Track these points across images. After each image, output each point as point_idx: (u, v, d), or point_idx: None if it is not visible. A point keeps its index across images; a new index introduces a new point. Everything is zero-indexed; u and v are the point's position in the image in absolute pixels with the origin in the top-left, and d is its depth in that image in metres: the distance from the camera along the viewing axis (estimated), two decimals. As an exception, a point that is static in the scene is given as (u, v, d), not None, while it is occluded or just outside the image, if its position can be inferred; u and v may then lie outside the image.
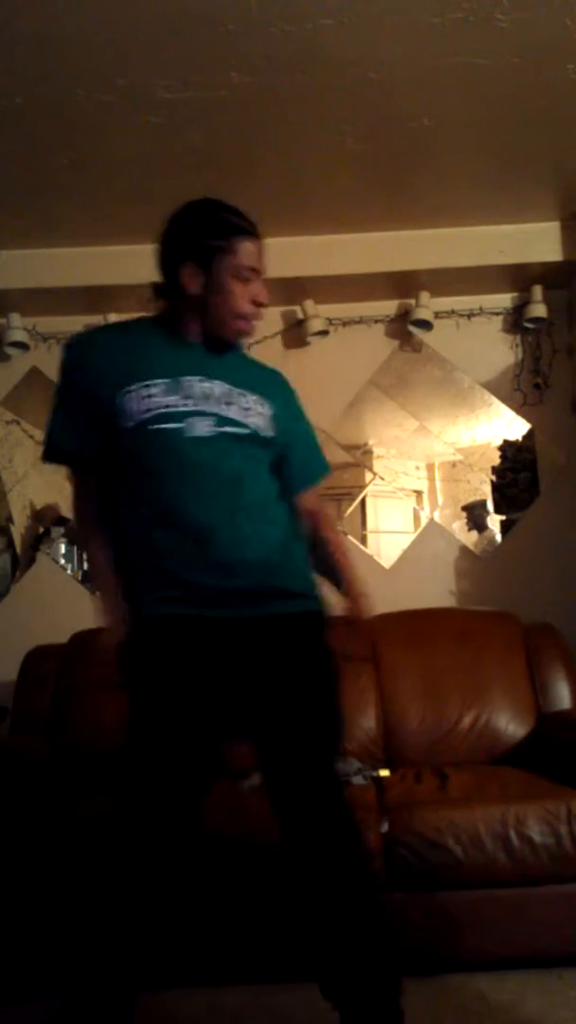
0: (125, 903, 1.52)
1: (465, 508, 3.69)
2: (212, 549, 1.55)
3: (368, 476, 3.67)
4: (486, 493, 3.68)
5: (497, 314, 3.65)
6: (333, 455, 3.59)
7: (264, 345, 3.46)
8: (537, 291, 3.51)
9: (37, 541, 3.64)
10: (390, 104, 2.64)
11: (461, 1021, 1.94)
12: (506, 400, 3.64)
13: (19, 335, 3.51)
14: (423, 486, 3.73)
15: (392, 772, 2.63)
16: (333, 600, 1.72)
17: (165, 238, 1.65)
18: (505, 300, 3.64)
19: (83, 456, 1.66)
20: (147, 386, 1.58)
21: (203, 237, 1.61)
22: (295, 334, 3.61)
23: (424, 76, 2.51)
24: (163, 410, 1.56)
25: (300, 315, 3.57)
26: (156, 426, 1.56)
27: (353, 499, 3.64)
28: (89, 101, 2.54)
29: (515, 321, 3.63)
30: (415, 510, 3.69)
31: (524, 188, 3.18)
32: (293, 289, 3.45)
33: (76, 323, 3.60)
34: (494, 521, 3.68)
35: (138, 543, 1.60)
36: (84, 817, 2.31)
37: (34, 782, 2.55)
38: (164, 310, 1.69)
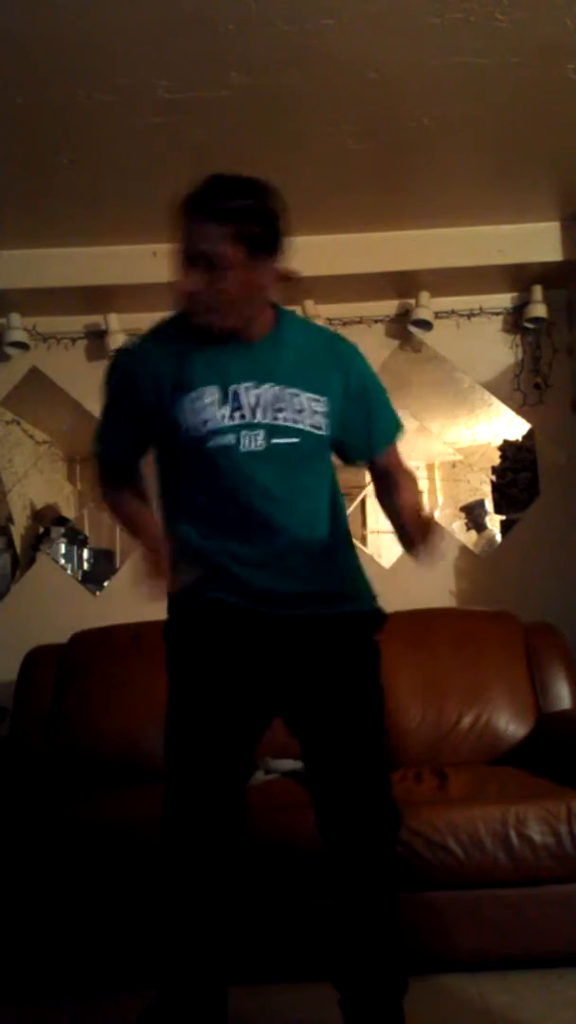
0: (188, 898, 1.53)
1: (463, 508, 3.68)
2: (262, 560, 1.56)
3: (368, 476, 3.66)
4: (486, 493, 3.68)
5: (497, 314, 3.65)
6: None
7: (264, 345, 3.46)
8: (537, 291, 3.51)
9: (37, 541, 3.64)
10: (390, 104, 2.64)
11: (461, 1021, 1.94)
12: (506, 400, 3.64)
13: (19, 335, 3.51)
14: (423, 486, 3.73)
15: (392, 772, 2.63)
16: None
17: None
18: (505, 300, 3.64)
19: (129, 463, 1.71)
20: (198, 397, 1.54)
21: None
22: (295, 334, 3.61)
23: (424, 76, 2.51)
24: (214, 425, 1.53)
25: (300, 315, 3.56)
26: (210, 443, 1.54)
27: (353, 499, 3.63)
28: (89, 101, 2.54)
29: (515, 321, 3.63)
30: (415, 510, 3.69)
31: (524, 188, 3.18)
32: (293, 289, 3.44)
33: (76, 323, 3.62)
34: (494, 521, 3.68)
35: (186, 548, 1.59)
36: (84, 817, 2.32)
37: (33, 782, 2.55)
38: None
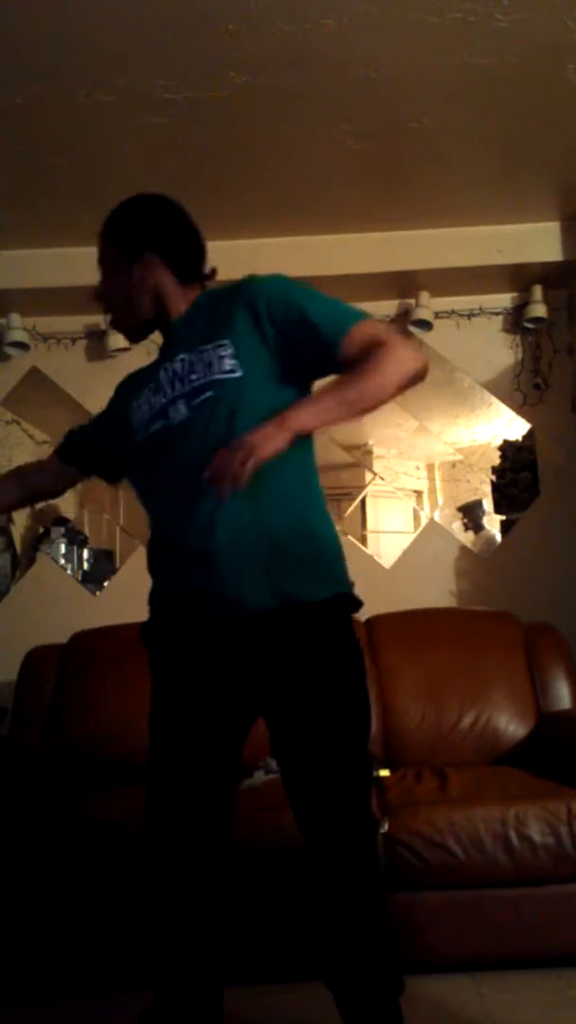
0: (172, 900, 1.53)
1: (461, 509, 3.68)
2: (207, 542, 1.48)
3: (368, 476, 3.67)
4: (486, 493, 3.68)
5: (497, 314, 3.65)
6: (333, 455, 3.60)
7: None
8: (537, 291, 3.51)
9: (37, 541, 3.64)
10: (390, 104, 2.64)
11: (461, 1021, 1.93)
12: (506, 400, 3.64)
13: (19, 335, 3.51)
14: (423, 486, 3.73)
15: (392, 772, 2.63)
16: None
17: None
18: (505, 300, 3.64)
19: (77, 452, 1.85)
20: (142, 396, 1.65)
21: None
22: (295, 334, 3.61)
23: (424, 76, 2.51)
24: (149, 413, 1.62)
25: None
26: (149, 431, 1.61)
27: (353, 499, 3.63)
28: (89, 101, 2.54)
29: (515, 321, 3.63)
30: (415, 510, 3.69)
31: (524, 188, 3.18)
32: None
33: (76, 323, 3.62)
34: (494, 521, 3.68)
35: (153, 547, 1.65)
36: (83, 817, 2.32)
37: (33, 781, 2.55)
38: None
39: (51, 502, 3.70)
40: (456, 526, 3.67)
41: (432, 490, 3.74)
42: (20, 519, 3.67)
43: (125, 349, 3.52)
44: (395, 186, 3.14)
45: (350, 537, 3.54)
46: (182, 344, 1.61)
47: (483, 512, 3.67)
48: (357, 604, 1.58)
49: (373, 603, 1.74)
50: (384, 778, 2.56)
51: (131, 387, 1.72)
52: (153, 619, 1.63)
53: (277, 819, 2.10)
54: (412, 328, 3.55)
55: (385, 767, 2.68)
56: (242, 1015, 2.00)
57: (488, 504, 3.67)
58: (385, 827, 2.19)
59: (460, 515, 3.69)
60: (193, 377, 1.55)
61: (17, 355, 3.58)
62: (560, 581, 3.42)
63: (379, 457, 3.71)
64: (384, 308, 3.62)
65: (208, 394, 1.53)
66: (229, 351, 1.54)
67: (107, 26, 2.25)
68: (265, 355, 1.54)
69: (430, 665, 2.89)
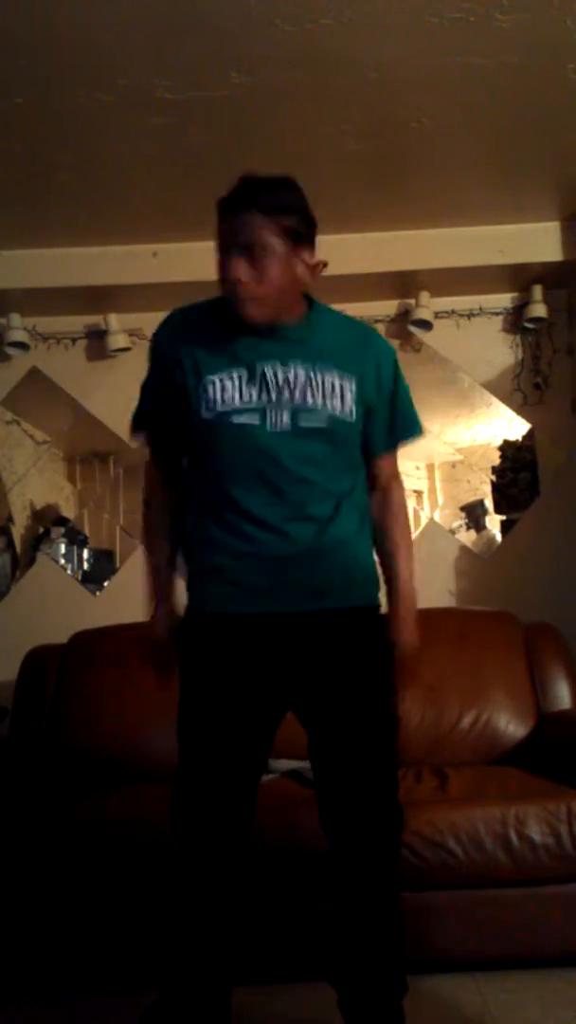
0: (199, 900, 1.54)
1: (463, 508, 3.68)
2: (268, 547, 1.55)
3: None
4: (486, 493, 3.68)
5: (497, 314, 3.65)
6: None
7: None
8: (537, 291, 3.51)
9: (37, 541, 3.64)
10: (390, 104, 2.64)
11: (461, 1021, 1.93)
12: (506, 400, 3.64)
13: (19, 335, 3.51)
14: (423, 486, 3.73)
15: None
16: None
17: None
18: (505, 300, 3.64)
19: (160, 430, 1.70)
20: (227, 376, 1.57)
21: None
22: (295, 334, 3.61)
23: (424, 76, 2.51)
24: (241, 404, 1.55)
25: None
26: (236, 420, 1.55)
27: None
28: (89, 101, 2.54)
29: (515, 321, 3.63)
30: (415, 510, 3.69)
31: (524, 188, 3.18)
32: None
33: (76, 323, 3.62)
34: (494, 521, 3.68)
35: (199, 537, 1.62)
36: (84, 817, 2.32)
37: (33, 782, 2.55)
38: None
39: (50, 502, 3.71)
40: (457, 525, 3.67)
41: (432, 490, 3.74)
42: (20, 519, 3.67)
43: (125, 349, 3.52)
44: (395, 186, 3.14)
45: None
46: (294, 350, 1.58)
47: (485, 512, 3.67)
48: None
49: (415, 633, 1.78)
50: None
51: (202, 354, 1.60)
52: (200, 615, 1.62)
53: (282, 819, 2.11)
54: (412, 328, 3.55)
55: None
56: (243, 1015, 2.00)
57: (488, 504, 3.67)
58: None
59: (463, 514, 3.69)
60: (309, 396, 1.56)
61: (17, 355, 3.58)
62: (560, 581, 3.42)
63: (379, 457, 3.70)
64: (384, 308, 3.62)
65: (319, 423, 1.57)
66: (352, 394, 1.60)
67: (107, 26, 2.25)
68: (363, 411, 1.63)
69: (430, 665, 2.87)
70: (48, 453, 3.69)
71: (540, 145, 2.90)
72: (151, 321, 3.99)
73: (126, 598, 3.47)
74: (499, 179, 3.11)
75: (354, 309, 3.57)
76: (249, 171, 1.63)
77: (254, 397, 1.55)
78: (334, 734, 1.59)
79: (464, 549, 3.61)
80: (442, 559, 3.57)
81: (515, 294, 3.63)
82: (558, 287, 3.53)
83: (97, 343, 3.60)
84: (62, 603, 3.49)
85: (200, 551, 1.62)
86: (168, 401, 1.64)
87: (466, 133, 2.81)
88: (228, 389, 1.55)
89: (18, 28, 2.25)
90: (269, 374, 1.56)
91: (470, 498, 3.69)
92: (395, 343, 3.64)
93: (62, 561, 3.61)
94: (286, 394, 1.55)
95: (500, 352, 3.65)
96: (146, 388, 1.72)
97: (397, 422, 1.73)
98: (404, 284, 3.53)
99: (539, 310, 3.50)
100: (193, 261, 3.34)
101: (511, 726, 2.77)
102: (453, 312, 3.61)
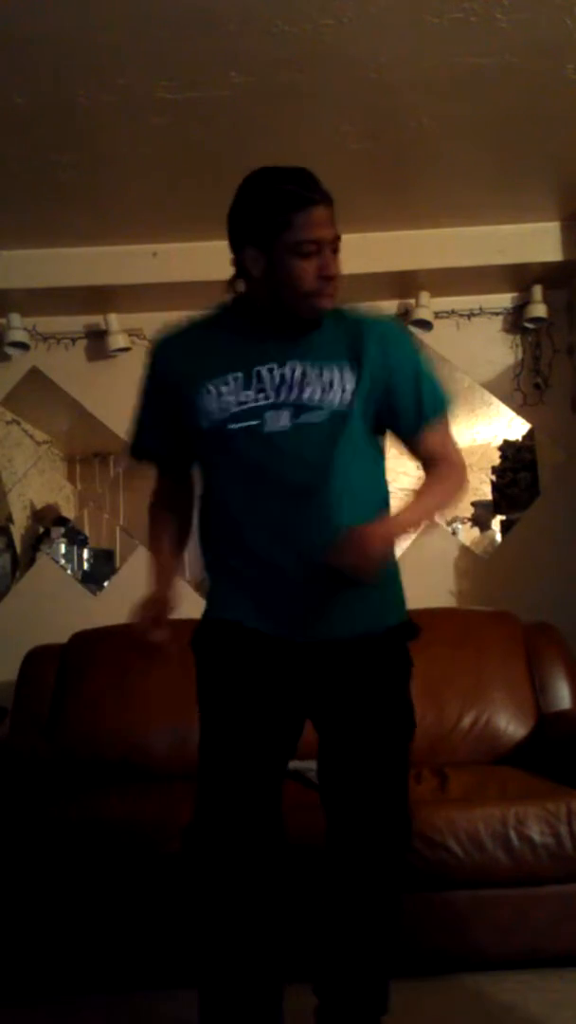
0: (226, 906, 1.50)
1: (472, 504, 3.67)
2: (283, 557, 1.53)
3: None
4: (486, 493, 3.68)
5: (497, 314, 3.65)
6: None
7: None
8: (537, 291, 3.51)
9: (37, 541, 3.64)
10: (390, 104, 2.63)
11: (461, 1021, 1.94)
12: (506, 400, 3.64)
13: (19, 335, 3.51)
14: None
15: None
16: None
17: (229, 219, 1.60)
18: (505, 300, 3.64)
19: (162, 455, 1.69)
20: (222, 383, 1.54)
21: (259, 216, 1.52)
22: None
23: (424, 76, 2.51)
24: (238, 408, 1.52)
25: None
26: (233, 425, 1.53)
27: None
28: (90, 101, 2.54)
29: (515, 321, 3.63)
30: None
31: (524, 188, 3.18)
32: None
33: (76, 323, 3.62)
34: (494, 521, 3.68)
35: (213, 546, 1.61)
36: (84, 817, 2.32)
37: (33, 782, 2.55)
38: (240, 295, 1.63)
39: (50, 502, 3.71)
40: (457, 526, 3.67)
41: (432, 490, 3.73)
42: (20, 519, 3.67)
43: (125, 349, 3.52)
44: (395, 186, 3.14)
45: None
46: (290, 348, 1.55)
47: (490, 512, 3.67)
48: (416, 630, 1.65)
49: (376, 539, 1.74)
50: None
51: (197, 365, 1.58)
52: (216, 624, 1.60)
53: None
54: (412, 328, 3.54)
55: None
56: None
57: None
58: None
59: (471, 508, 3.67)
60: (307, 392, 1.53)
61: (17, 355, 3.57)
62: (560, 581, 3.42)
63: (379, 457, 3.70)
64: (384, 308, 3.62)
65: (317, 419, 1.53)
66: (351, 384, 1.56)
67: (107, 26, 2.25)
68: (373, 398, 1.59)
69: (430, 665, 2.86)
70: (48, 453, 3.69)
71: (540, 145, 2.90)
72: (151, 321, 4.00)
73: (126, 598, 3.43)
74: (499, 179, 3.11)
75: (354, 309, 3.62)
76: (255, 167, 1.61)
77: (251, 399, 1.53)
78: (349, 741, 1.57)
79: (464, 549, 3.61)
80: (442, 559, 3.57)
81: (515, 294, 3.63)
82: (558, 287, 3.53)
83: (97, 343, 3.60)
84: (62, 603, 3.49)
85: (217, 560, 1.61)
86: (169, 423, 1.63)
87: (466, 133, 2.81)
88: (224, 395, 1.53)
89: (18, 28, 2.25)
90: (265, 375, 1.53)
91: (470, 498, 3.69)
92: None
93: (62, 561, 3.61)
94: (283, 393, 1.52)
95: (500, 352, 3.65)
96: (143, 419, 1.70)
97: (423, 399, 1.65)
98: (404, 284, 3.53)
99: (539, 310, 3.50)
100: (193, 261, 3.35)
101: (511, 726, 2.77)
102: (453, 312, 3.61)
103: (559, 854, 2.16)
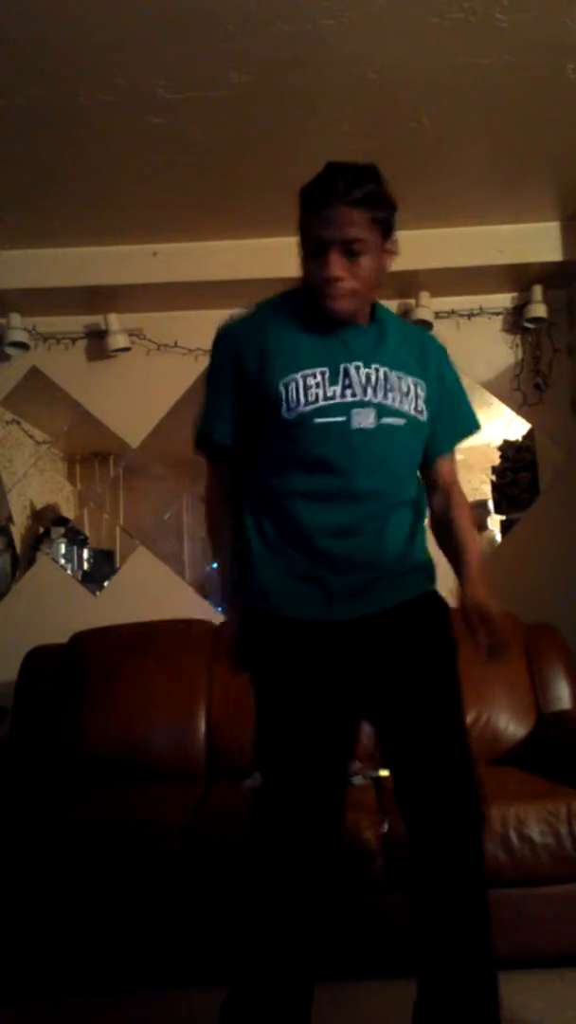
0: (289, 903, 1.51)
1: (472, 504, 3.68)
2: (353, 545, 1.56)
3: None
4: (486, 493, 3.68)
5: (497, 314, 3.65)
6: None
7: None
8: (537, 291, 3.51)
9: (37, 541, 3.64)
10: (390, 104, 2.64)
11: (461, 1021, 1.93)
12: (506, 400, 3.64)
13: (19, 335, 3.51)
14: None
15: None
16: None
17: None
18: (505, 300, 3.64)
19: (236, 446, 1.64)
20: (309, 375, 1.54)
21: (300, 214, 1.56)
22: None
23: (424, 76, 2.51)
24: (326, 403, 1.53)
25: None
26: (320, 419, 1.53)
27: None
28: (89, 101, 2.54)
29: (515, 321, 3.63)
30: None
31: (524, 188, 3.18)
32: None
33: (76, 323, 3.62)
34: (494, 521, 3.68)
35: (263, 538, 1.59)
36: (84, 817, 2.32)
37: (33, 782, 2.55)
38: (299, 287, 1.64)
39: (50, 502, 3.71)
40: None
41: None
42: (20, 519, 3.67)
43: (125, 349, 3.52)
44: (395, 186, 3.10)
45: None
46: (373, 350, 1.58)
47: (487, 512, 3.67)
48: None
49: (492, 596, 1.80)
50: (384, 778, 2.55)
51: (278, 355, 1.56)
52: (272, 620, 1.58)
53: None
54: (412, 328, 3.55)
55: (385, 767, 2.67)
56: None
57: (490, 504, 3.67)
58: (385, 827, 2.19)
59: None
60: (391, 397, 1.56)
61: (17, 355, 3.58)
62: (560, 581, 3.42)
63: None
64: (384, 308, 3.62)
65: (398, 422, 1.57)
66: (424, 394, 1.63)
67: (108, 26, 2.25)
68: (431, 411, 1.65)
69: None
70: (48, 453, 3.69)
71: (540, 145, 2.90)
72: (151, 321, 4.01)
73: (126, 598, 3.48)
74: (499, 179, 3.11)
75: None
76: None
77: (338, 395, 1.53)
78: (414, 721, 1.57)
79: (464, 549, 3.60)
80: (441, 559, 3.55)
81: (515, 294, 3.63)
82: (558, 287, 3.53)
83: (97, 343, 3.60)
84: (62, 603, 3.49)
85: (269, 553, 1.58)
86: (245, 413, 1.60)
87: (466, 133, 2.82)
88: (312, 388, 1.53)
89: (18, 28, 2.25)
90: (353, 373, 1.55)
91: (470, 498, 3.69)
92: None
93: (62, 561, 3.61)
94: (370, 393, 1.55)
95: (500, 352, 3.65)
96: (217, 409, 1.64)
97: (458, 419, 1.75)
98: (404, 284, 3.53)
99: (539, 310, 3.50)
100: (193, 261, 3.36)
101: (511, 726, 2.77)
102: (453, 312, 3.62)
103: (559, 854, 2.16)
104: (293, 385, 1.53)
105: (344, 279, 1.52)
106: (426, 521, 1.74)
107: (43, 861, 2.22)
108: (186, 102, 2.57)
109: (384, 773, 2.60)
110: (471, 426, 1.79)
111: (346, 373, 1.54)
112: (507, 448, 3.67)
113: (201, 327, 3.71)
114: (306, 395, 1.52)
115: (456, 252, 3.41)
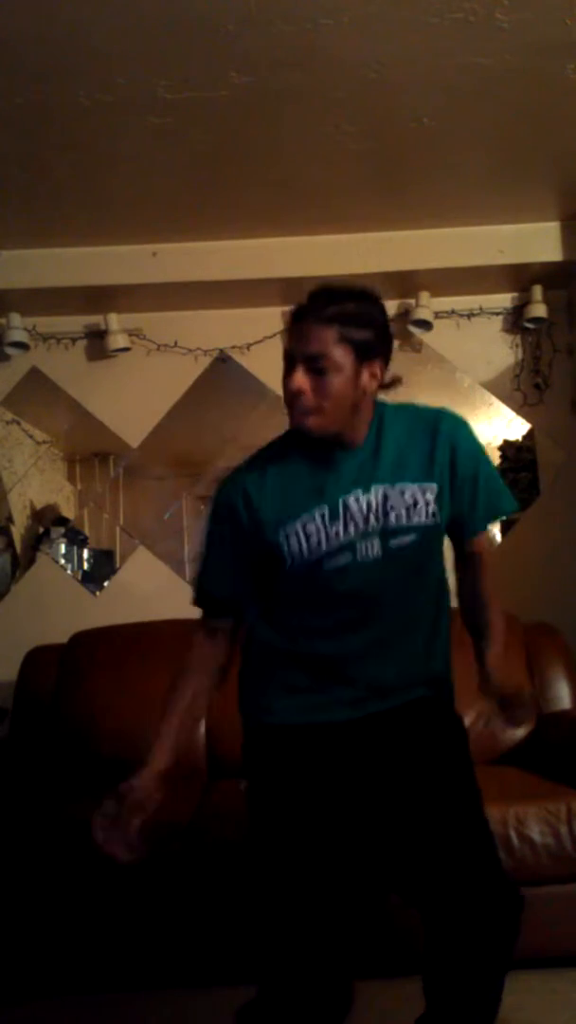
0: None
1: None
2: (367, 667, 1.55)
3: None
4: (486, 493, 3.68)
5: (497, 314, 3.65)
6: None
7: (265, 345, 3.46)
8: (537, 291, 3.51)
9: (37, 541, 3.64)
10: (390, 104, 2.64)
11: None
12: (506, 400, 3.64)
13: (19, 335, 3.51)
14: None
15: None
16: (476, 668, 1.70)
17: None
18: (505, 300, 3.64)
19: (235, 600, 1.61)
20: (308, 520, 1.50)
21: None
22: (295, 334, 3.61)
23: (424, 76, 2.51)
24: (328, 547, 1.49)
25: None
26: (328, 564, 1.50)
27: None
28: (90, 101, 2.54)
29: (515, 321, 3.63)
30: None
31: (524, 188, 3.18)
32: (292, 290, 3.43)
33: (76, 323, 3.62)
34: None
35: (276, 670, 1.58)
36: (84, 816, 2.31)
37: (33, 782, 2.55)
38: None
39: (50, 502, 3.71)
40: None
41: (432, 490, 3.73)
42: (20, 519, 3.67)
43: (125, 349, 3.52)
44: (395, 186, 3.14)
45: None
46: (368, 471, 1.52)
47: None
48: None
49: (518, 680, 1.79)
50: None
51: (278, 505, 1.53)
52: (274, 734, 1.57)
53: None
54: (412, 328, 3.55)
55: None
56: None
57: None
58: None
59: None
60: (393, 518, 1.51)
61: (17, 355, 3.57)
62: (560, 581, 3.42)
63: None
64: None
65: (408, 539, 1.52)
66: (433, 496, 1.54)
67: (107, 26, 2.25)
68: (448, 504, 1.58)
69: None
70: (48, 453, 3.69)
71: (540, 145, 2.90)
72: (151, 321, 4.00)
73: (126, 598, 3.48)
74: (499, 179, 3.11)
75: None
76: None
77: (341, 534, 1.49)
78: (425, 815, 1.48)
79: (464, 549, 3.60)
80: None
81: (515, 294, 3.63)
82: (558, 287, 3.53)
83: (97, 343, 3.60)
84: (62, 603, 3.49)
85: (283, 680, 1.57)
86: (245, 567, 1.58)
87: (466, 133, 2.82)
88: (312, 534, 1.49)
89: (18, 28, 2.25)
90: (352, 504, 1.50)
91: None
92: (395, 343, 3.64)
93: (62, 561, 3.61)
94: (372, 521, 1.50)
95: (500, 352, 3.65)
96: (215, 565, 1.62)
97: (481, 503, 1.63)
98: (404, 284, 3.53)
99: (539, 310, 3.50)
100: (193, 261, 3.36)
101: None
102: (453, 312, 3.62)
103: (559, 854, 2.16)
104: (294, 536, 1.50)
105: (305, 394, 1.47)
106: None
107: (43, 861, 2.22)
108: (186, 102, 2.57)
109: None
110: (502, 507, 1.69)
111: (346, 506, 1.50)
112: (507, 448, 3.67)
113: (201, 327, 3.75)
114: (308, 544, 1.49)
115: (456, 252, 3.41)
